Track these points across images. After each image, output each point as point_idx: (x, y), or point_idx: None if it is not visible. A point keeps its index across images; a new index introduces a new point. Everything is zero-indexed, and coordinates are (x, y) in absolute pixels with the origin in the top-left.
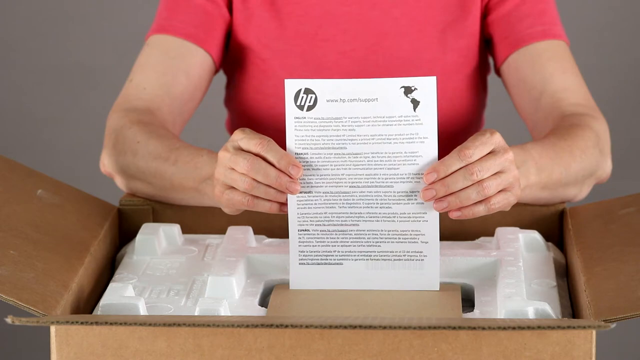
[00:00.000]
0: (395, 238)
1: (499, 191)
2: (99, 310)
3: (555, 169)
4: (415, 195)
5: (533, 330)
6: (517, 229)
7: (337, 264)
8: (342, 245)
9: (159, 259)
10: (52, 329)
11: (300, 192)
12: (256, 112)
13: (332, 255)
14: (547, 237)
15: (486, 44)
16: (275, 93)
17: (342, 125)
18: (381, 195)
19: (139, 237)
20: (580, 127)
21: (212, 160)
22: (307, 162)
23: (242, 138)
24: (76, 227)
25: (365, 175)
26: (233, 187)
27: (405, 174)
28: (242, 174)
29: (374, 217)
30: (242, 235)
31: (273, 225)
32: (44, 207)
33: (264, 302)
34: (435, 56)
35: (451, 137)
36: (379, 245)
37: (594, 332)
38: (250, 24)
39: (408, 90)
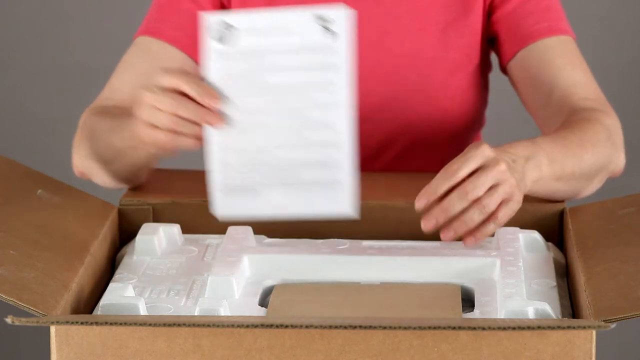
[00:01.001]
0: (311, 165)
1: (501, 203)
2: (99, 310)
3: (567, 160)
4: (331, 124)
5: (533, 331)
6: (517, 229)
7: (256, 191)
8: (260, 174)
9: (159, 259)
10: (52, 329)
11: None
12: None
13: (250, 184)
14: (547, 237)
15: (490, 43)
16: None
17: (260, 56)
18: (296, 125)
19: (139, 237)
20: (591, 121)
21: None
22: (226, 94)
23: (163, 75)
24: (76, 227)
25: (283, 104)
26: (156, 126)
27: (321, 103)
28: (166, 112)
29: (290, 145)
30: (242, 235)
31: (273, 225)
32: (44, 207)
33: (264, 302)
34: (437, 54)
35: (454, 136)
36: (295, 173)
37: (594, 332)
38: None
39: (323, 20)
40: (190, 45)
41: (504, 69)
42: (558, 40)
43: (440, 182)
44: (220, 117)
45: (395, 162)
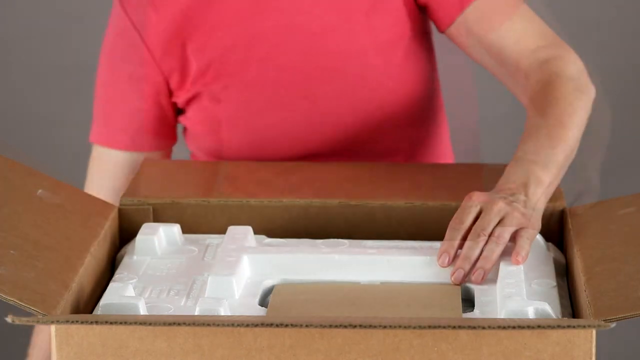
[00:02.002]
0: None
1: (516, 233)
2: (99, 310)
3: (556, 152)
4: None
5: (533, 330)
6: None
7: None
8: None
9: (159, 259)
10: (52, 328)
11: None
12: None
13: None
14: (547, 237)
15: (421, 10)
16: (223, 127)
17: None
18: None
19: (139, 237)
20: (553, 83)
21: None
22: None
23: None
24: (76, 227)
25: None
26: None
27: None
28: None
29: None
30: (242, 235)
31: (273, 225)
32: (45, 207)
33: (264, 302)
34: (366, 43)
35: (411, 111)
36: None
37: (594, 331)
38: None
39: None
40: (150, 143)
41: (443, 32)
42: None
43: (453, 235)
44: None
45: (365, 154)
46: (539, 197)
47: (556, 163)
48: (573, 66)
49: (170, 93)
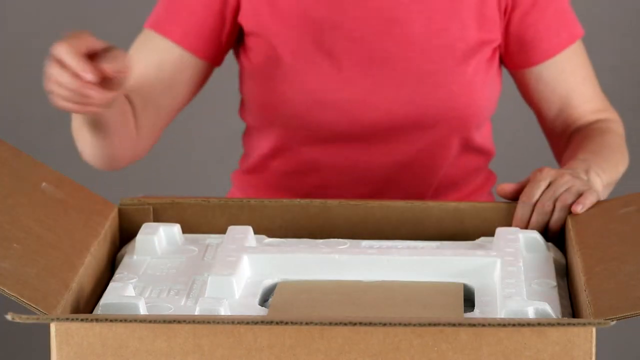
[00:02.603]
0: None
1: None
2: (99, 309)
3: (611, 169)
4: None
5: (533, 330)
6: (517, 229)
7: None
8: None
9: (159, 259)
10: (52, 327)
11: None
12: (267, 99)
13: None
14: (547, 237)
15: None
16: (286, 79)
17: None
18: None
19: (139, 237)
20: (610, 132)
21: None
22: None
23: (58, 45)
24: (77, 225)
25: None
26: (59, 95)
27: None
28: (54, 82)
29: None
30: (242, 235)
31: (273, 225)
32: (48, 201)
33: (264, 302)
34: (447, 41)
35: (468, 125)
36: None
37: (594, 330)
38: (258, 11)
39: None
40: (198, 45)
41: (509, 69)
42: (573, 50)
43: (524, 210)
44: (100, 92)
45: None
46: (597, 184)
47: (609, 175)
48: (621, 128)
49: (238, 10)
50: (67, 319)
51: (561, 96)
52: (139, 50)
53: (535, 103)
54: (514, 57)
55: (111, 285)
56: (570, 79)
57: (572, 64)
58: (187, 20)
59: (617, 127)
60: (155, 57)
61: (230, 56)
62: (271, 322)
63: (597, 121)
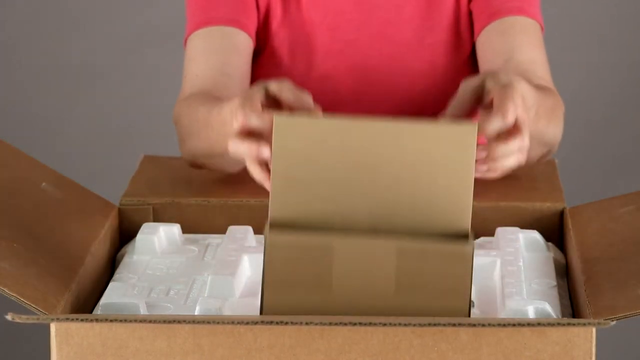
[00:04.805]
0: None
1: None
2: (99, 309)
3: (544, 121)
4: None
5: (533, 330)
6: (517, 229)
7: None
8: None
9: (159, 259)
10: (52, 327)
11: None
12: None
13: None
14: (547, 237)
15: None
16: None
17: None
18: None
19: (139, 236)
20: (554, 95)
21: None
22: None
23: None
24: (77, 225)
25: None
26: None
27: None
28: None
29: None
30: (242, 235)
31: None
32: (48, 201)
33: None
34: (437, 39)
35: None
36: None
37: (594, 330)
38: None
39: None
40: (246, 24)
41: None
42: (524, 20)
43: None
44: None
45: None
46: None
47: (552, 113)
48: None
49: None
50: (67, 319)
51: (506, 50)
52: (206, 46)
53: (483, 62)
54: (474, 27)
55: (111, 285)
56: (518, 37)
57: (519, 28)
58: (252, 12)
59: (561, 102)
60: (230, 45)
61: None
62: (271, 322)
63: (542, 85)
